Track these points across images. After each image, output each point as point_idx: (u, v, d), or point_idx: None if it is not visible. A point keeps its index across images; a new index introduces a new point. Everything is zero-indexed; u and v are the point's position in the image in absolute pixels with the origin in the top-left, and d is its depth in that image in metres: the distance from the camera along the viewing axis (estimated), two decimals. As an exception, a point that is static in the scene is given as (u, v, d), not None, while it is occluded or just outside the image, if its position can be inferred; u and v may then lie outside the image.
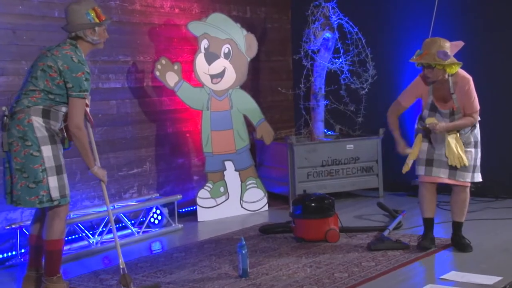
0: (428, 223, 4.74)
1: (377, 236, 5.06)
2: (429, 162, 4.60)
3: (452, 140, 4.52)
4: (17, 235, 4.76)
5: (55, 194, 3.80)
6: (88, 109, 4.04)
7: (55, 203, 3.83)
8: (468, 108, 4.53)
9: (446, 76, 4.51)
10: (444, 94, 4.56)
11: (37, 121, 3.80)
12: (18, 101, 3.86)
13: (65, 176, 3.88)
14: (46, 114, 3.83)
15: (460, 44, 4.63)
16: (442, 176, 4.57)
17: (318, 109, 6.76)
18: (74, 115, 3.83)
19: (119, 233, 5.48)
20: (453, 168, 4.54)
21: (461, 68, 4.58)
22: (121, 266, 3.90)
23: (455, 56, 4.58)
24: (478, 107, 4.57)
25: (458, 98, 4.52)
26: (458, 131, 4.55)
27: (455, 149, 4.50)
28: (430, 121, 4.56)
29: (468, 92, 4.51)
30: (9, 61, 4.96)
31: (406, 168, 4.66)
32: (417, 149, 4.63)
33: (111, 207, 5.42)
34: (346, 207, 6.24)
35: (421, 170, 4.63)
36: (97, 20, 3.92)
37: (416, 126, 4.71)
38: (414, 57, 4.54)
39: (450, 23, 6.37)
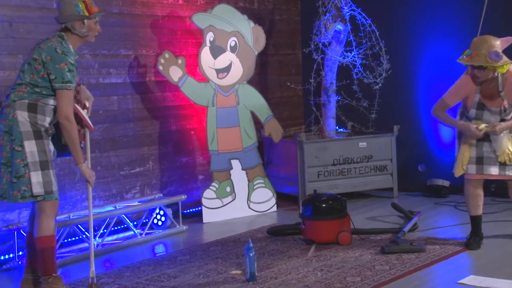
0: (476, 221, 4.83)
1: (391, 238, 5.06)
2: (480, 160, 4.70)
3: (504, 137, 4.63)
4: (15, 237, 4.78)
5: (37, 189, 3.87)
6: (87, 116, 4.10)
7: (39, 199, 3.91)
8: None
9: (496, 74, 4.59)
10: (491, 92, 4.64)
11: (22, 116, 3.88)
12: (8, 95, 3.97)
13: (52, 172, 3.94)
14: (32, 109, 3.90)
15: (510, 40, 4.68)
16: (493, 173, 4.69)
17: (329, 105, 6.75)
18: (60, 106, 3.91)
19: (121, 235, 5.51)
20: (502, 164, 4.67)
21: None
22: (91, 276, 3.93)
23: (504, 52, 4.62)
24: None
25: (508, 96, 4.60)
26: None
27: (505, 147, 4.62)
28: (478, 123, 4.64)
29: None
30: (6, 54, 4.98)
31: (461, 172, 4.73)
32: (468, 149, 4.70)
33: (112, 208, 5.48)
34: (359, 208, 6.24)
35: (471, 169, 4.73)
36: (86, 13, 4.00)
37: (457, 120, 4.76)
38: (464, 57, 4.61)
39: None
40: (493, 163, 4.68)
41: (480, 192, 4.80)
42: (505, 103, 4.62)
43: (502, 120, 4.67)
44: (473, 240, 4.79)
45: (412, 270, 4.37)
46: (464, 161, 4.72)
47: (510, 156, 4.63)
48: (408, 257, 4.63)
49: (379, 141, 6.63)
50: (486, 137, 4.68)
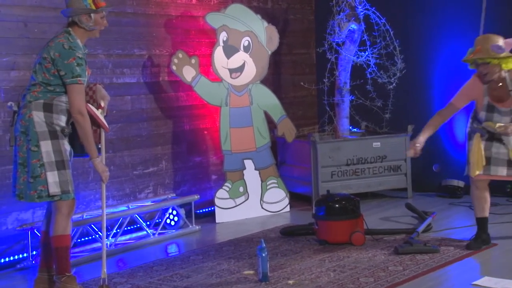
0: (482, 223, 4.81)
1: (405, 239, 5.04)
2: (487, 161, 4.68)
3: None
4: (29, 236, 4.82)
5: (53, 189, 3.90)
6: (102, 116, 4.13)
7: (56, 198, 3.94)
8: None
9: (503, 74, 4.57)
10: (501, 93, 4.63)
11: (38, 116, 3.92)
12: (24, 96, 4.01)
13: (68, 172, 3.97)
14: (48, 108, 3.94)
15: None
16: (500, 174, 4.68)
17: (343, 105, 6.74)
18: (72, 101, 3.93)
19: (134, 235, 5.54)
20: (511, 165, 4.64)
21: None
22: (102, 277, 3.95)
23: None
24: None
25: None
26: None
27: None
28: (490, 124, 4.63)
29: None
30: (21, 55, 5.02)
31: (476, 172, 4.69)
32: (481, 151, 4.68)
33: (126, 208, 5.50)
34: (372, 208, 6.22)
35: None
36: (93, 7, 4.03)
37: (470, 126, 4.76)
38: (467, 56, 4.61)
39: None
40: (501, 163, 4.66)
41: (485, 194, 4.78)
42: None
43: None
44: (474, 241, 4.77)
45: (426, 271, 4.36)
46: (480, 163, 4.67)
47: None
48: (422, 258, 4.61)
49: (393, 141, 6.61)
50: (494, 138, 4.66)
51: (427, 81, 6.82)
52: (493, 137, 4.68)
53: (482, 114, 4.69)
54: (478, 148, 4.69)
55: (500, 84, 4.62)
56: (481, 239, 4.78)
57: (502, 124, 4.61)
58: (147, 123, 5.94)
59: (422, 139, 4.76)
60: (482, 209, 4.79)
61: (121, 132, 5.74)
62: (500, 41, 4.56)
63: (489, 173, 4.69)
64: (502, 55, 4.49)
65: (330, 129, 6.83)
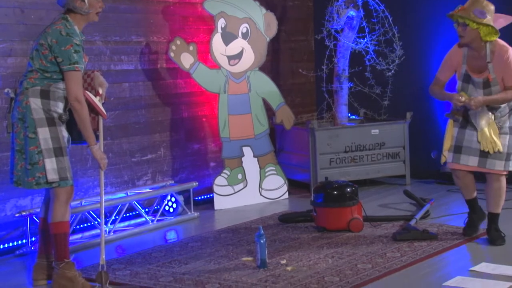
0: (470, 204, 4.77)
1: (403, 225, 5.05)
2: (458, 149, 4.57)
3: (484, 116, 4.48)
4: (27, 223, 4.82)
5: (52, 176, 3.90)
6: (100, 103, 4.13)
7: (54, 185, 3.95)
8: (508, 80, 4.44)
9: (483, 43, 4.43)
10: (479, 63, 4.48)
11: (35, 103, 3.91)
12: (21, 82, 4.01)
13: (66, 158, 3.97)
14: (45, 95, 3.93)
15: (510, 19, 4.54)
16: (471, 164, 4.55)
17: (341, 92, 6.73)
18: (70, 89, 3.92)
19: (133, 221, 5.54)
20: (483, 156, 4.50)
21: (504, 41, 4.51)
22: (101, 263, 3.97)
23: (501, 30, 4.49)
24: None
25: (496, 69, 4.43)
26: (493, 115, 4.49)
27: (488, 134, 4.46)
28: (463, 94, 4.51)
29: (507, 62, 4.41)
30: (17, 41, 5.01)
31: (444, 159, 4.67)
32: (450, 137, 4.60)
33: (124, 195, 5.51)
34: (371, 195, 6.24)
35: (449, 157, 4.63)
36: None
37: (449, 112, 4.68)
38: (452, 11, 4.49)
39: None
40: (473, 153, 4.52)
41: (467, 181, 4.64)
42: (490, 75, 4.43)
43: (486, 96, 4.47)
44: (467, 226, 4.75)
45: (423, 257, 4.38)
46: (445, 147, 4.61)
47: (493, 145, 4.44)
48: (420, 245, 4.63)
49: (391, 128, 6.61)
50: (468, 125, 4.52)
51: (426, 68, 6.80)
52: (466, 124, 4.53)
53: (459, 84, 4.57)
54: (449, 133, 4.59)
55: (480, 53, 4.45)
56: (473, 221, 4.74)
57: (467, 97, 4.45)
58: (145, 110, 5.93)
59: (451, 94, 4.55)
60: (468, 192, 4.72)
61: (119, 119, 5.73)
62: (490, 8, 4.37)
63: (458, 161, 4.57)
64: (482, 20, 4.32)
65: (329, 116, 6.81)
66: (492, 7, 4.44)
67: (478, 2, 4.41)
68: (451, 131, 4.61)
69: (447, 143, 4.63)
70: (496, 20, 4.47)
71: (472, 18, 4.36)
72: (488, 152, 4.48)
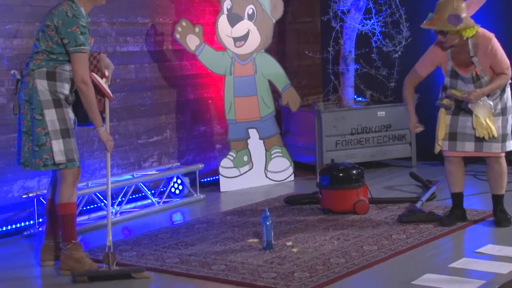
0: (456, 199, 4.70)
1: (409, 207, 5.06)
2: (452, 136, 4.53)
3: (484, 105, 4.42)
4: (34, 204, 4.85)
5: (59, 157, 3.92)
6: (106, 85, 4.13)
7: (61, 167, 3.96)
8: (497, 67, 4.40)
9: (464, 39, 4.38)
10: (464, 58, 4.44)
11: (41, 84, 3.92)
12: (27, 64, 4.01)
13: (73, 140, 3.99)
14: (51, 77, 3.94)
15: (481, 1, 4.44)
16: (467, 149, 4.51)
17: (347, 74, 6.71)
18: (76, 70, 3.92)
19: (139, 203, 5.56)
20: (479, 140, 4.47)
21: (485, 26, 4.47)
22: (107, 244, 3.99)
23: (476, 15, 4.43)
24: (508, 62, 4.44)
25: (481, 61, 4.39)
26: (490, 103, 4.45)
27: (483, 120, 4.42)
28: (455, 92, 4.47)
29: (492, 52, 4.37)
30: (23, 22, 5.00)
31: (438, 148, 4.61)
32: (443, 126, 4.56)
33: (130, 176, 5.53)
34: (377, 177, 6.25)
35: (444, 145, 4.57)
36: None
37: (438, 100, 4.62)
38: (425, 22, 4.42)
39: None
40: (468, 138, 4.47)
41: (458, 171, 4.60)
42: (477, 69, 4.39)
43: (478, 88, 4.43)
44: (447, 217, 4.66)
45: (429, 239, 4.38)
46: (439, 136, 4.54)
47: (489, 130, 4.40)
48: (426, 227, 4.63)
49: (398, 110, 6.59)
50: (460, 112, 4.47)
51: (433, 49, 6.77)
52: (459, 111, 4.48)
53: (447, 81, 4.52)
54: (442, 122, 4.52)
55: (464, 49, 4.40)
56: (455, 216, 4.66)
57: (466, 91, 4.42)
58: (151, 92, 5.93)
59: (414, 117, 4.64)
60: (456, 184, 4.65)
61: (125, 101, 5.73)
62: (462, 6, 4.30)
63: (455, 149, 4.52)
64: (459, 27, 4.27)
65: (335, 98, 6.80)
66: (463, 4, 4.35)
67: (450, 6, 4.32)
68: (444, 119, 4.54)
69: (441, 132, 4.56)
70: (469, 8, 4.38)
71: (450, 28, 4.30)
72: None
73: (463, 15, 4.33)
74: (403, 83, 6.42)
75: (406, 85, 4.71)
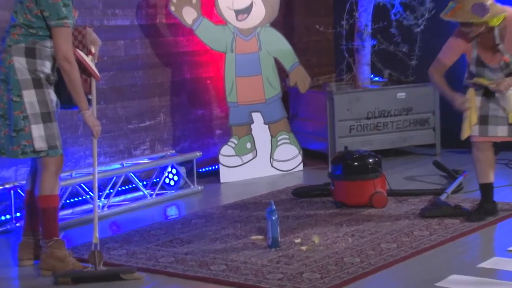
0: (485, 190, 4.68)
1: (433, 200, 5.05)
2: (483, 120, 4.52)
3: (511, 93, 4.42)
4: (11, 197, 4.85)
5: (39, 144, 3.90)
6: (92, 63, 4.11)
7: (42, 154, 3.94)
8: None
9: (491, 26, 4.37)
10: (490, 45, 4.43)
11: (19, 62, 3.89)
12: (4, 39, 3.98)
13: (55, 125, 3.97)
14: (30, 53, 3.91)
15: None
16: (500, 134, 4.51)
17: (363, 50, 6.69)
18: (58, 46, 3.89)
19: (129, 196, 5.57)
20: None
21: None
22: (94, 242, 3.98)
23: None
24: None
25: (508, 46, 4.37)
26: None
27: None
28: (482, 81, 4.46)
29: None
30: (-1, -7, 4.98)
31: (466, 133, 4.58)
32: (475, 108, 4.52)
33: (119, 166, 5.53)
34: (396, 167, 6.24)
35: (474, 130, 4.55)
36: None
37: (465, 80, 4.61)
38: (446, 13, 4.40)
39: None
40: (500, 122, 4.45)
41: (487, 157, 4.59)
42: (506, 57, 4.37)
43: (508, 76, 4.41)
44: (475, 211, 4.64)
45: (455, 236, 4.37)
46: (473, 120, 4.50)
47: None
48: (451, 222, 4.62)
49: (420, 91, 6.59)
50: (492, 94, 4.46)
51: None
52: (490, 92, 4.46)
53: (473, 68, 4.52)
54: (472, 105, 4.49)
55: (490, 35, 4.39)
56: (484, 210, 4.64)
57: (494, 81, 4.40)
58: (142, 72, 5.92)
59: (455, 94, 4.56)
60: (485, 174, 4.63)
61: (114, 81, 5.72)
62: None
63: (486, 134, 4.50)
64: (485, 18, 4.25)
65: (349, 78, 6.79)
66: None
67: None
68: (474, 101, 4.53)
69: (474, 115, 4.52)
70: None
71: (475, 19, 4.28)
72: None
73: (489, 2, 4.32)
74: (425, 62, 6.37)
75: (432, 75, 4.72)
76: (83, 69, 4.04)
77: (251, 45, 6.23)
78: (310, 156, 6.59)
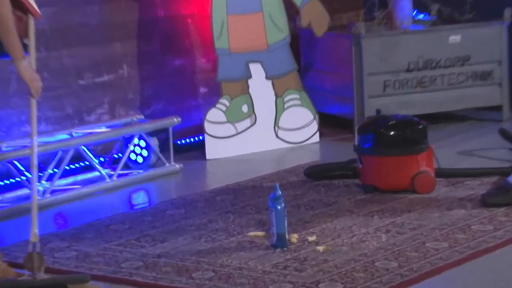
0: None
1: (498, 183, 5.07)
2: None
3: None
4: None
5: None
6: None
7: None
8: None
9: None
10: None
11: None
12: None
13: None
14: None
15: None
16: None
17: (403, -22, 6.69)
18: None
19: (81, 177, 5.60)
20: None
21: None
22: (31, 240, 3.98)
23: None
24: None
25: None
26: None
27: None
28: None
29: None
30: None
31: None
32: None
33: (67, 136, 5.53)
34: (447, 138, 6.29)
35: None
36: None
37: None
38: None
39: None
40: None
41: None
42: None
43: None
44: None
45: (528, 232, 4.39)
46: None
47: None
48: (523, 213, 4.65)
49: (480, 34, 6.64)
50: None
51: None
52: None
53: None
54: None
55: None
56: None
57: None
58: (98, 7, 5.96)
59: None
60: None
61: (57, 19, 5.74)
62: None
63: None
64: None
65: (382, 16, 6.80)
66: None
67: None
68: None
69: None
70: None
71: None
72: None
73: None
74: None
75: None
76: (16, 3, 4.02)
77: (248, -29, 6.25)
78: (329, 123, 6.65)
